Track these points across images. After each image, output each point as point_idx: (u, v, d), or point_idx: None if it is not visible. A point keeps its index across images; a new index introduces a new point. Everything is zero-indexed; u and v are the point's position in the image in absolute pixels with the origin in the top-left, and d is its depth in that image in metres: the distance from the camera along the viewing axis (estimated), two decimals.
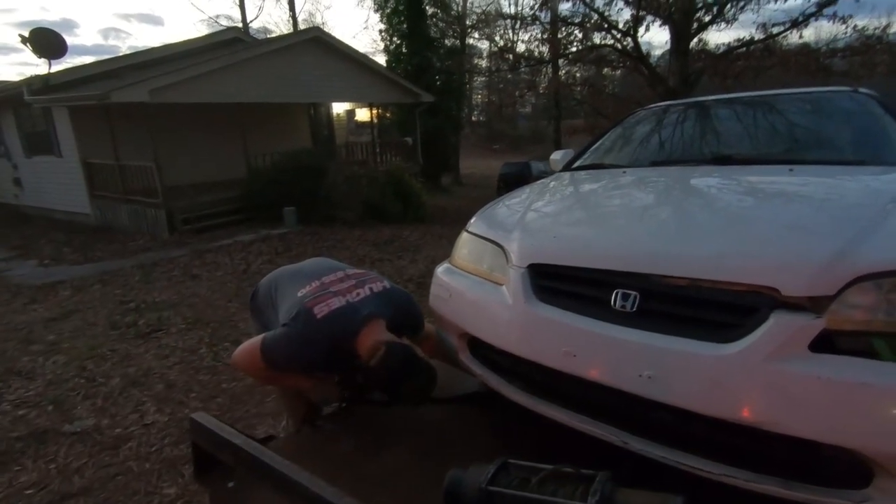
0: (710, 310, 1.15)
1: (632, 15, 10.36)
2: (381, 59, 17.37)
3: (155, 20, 61.48)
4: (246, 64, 10.06)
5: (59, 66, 10.64)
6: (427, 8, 18.35)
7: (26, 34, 10.04)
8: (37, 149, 10.96)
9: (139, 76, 9.06)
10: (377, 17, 19.15)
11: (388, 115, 17.81)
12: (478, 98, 35.64)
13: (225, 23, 25.15)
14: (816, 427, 1.01)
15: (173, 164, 9.49)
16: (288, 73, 10.78)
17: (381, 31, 18.72)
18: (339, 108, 15.64)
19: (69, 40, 10.91)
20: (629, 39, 10.65)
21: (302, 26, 26.64)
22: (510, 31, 15.40)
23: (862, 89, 2.44)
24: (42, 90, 9.18)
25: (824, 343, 1.03)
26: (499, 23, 13.43)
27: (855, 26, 8.98)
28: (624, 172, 2.13)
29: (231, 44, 11.93)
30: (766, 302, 1.08)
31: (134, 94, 8.32)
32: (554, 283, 1.41)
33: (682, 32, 10.02)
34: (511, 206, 1.96)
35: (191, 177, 10.34)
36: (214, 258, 7.16)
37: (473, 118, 36.87)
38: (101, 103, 8.33)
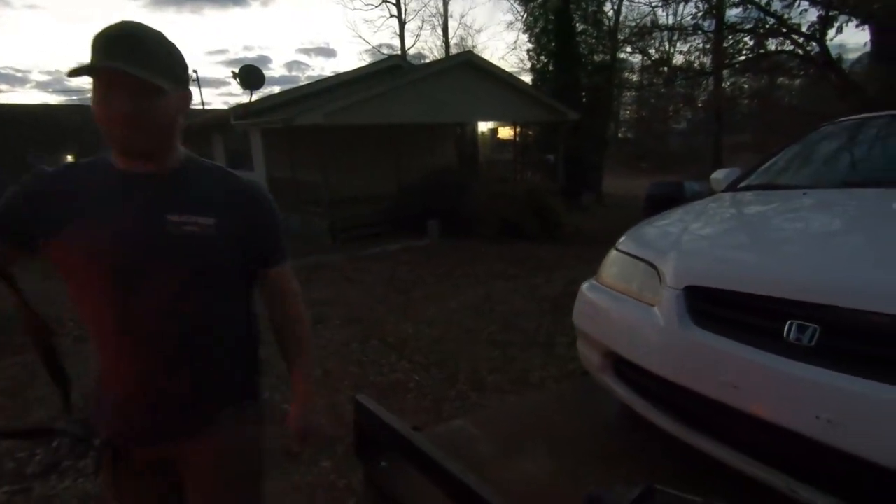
0: None
1: (819, 16, 9.08)
2: (527, 78, 17.61)
3: (329, 53, 70.20)
4: (403, 88, 10.99)
5: (256, 95, 12.77)
6: (577, 25, 18.15)
7: (236, 71, 12.30)
8: (236, 164, 13.20)
9: (316, 102, 10.47)
10: (525, 37, 19.38)
11: (529, 132, 17.94)
12: (626, 114, 33.96)
13: (386, 52, 27.78)
14: None
15: (335, 179, 10.72)
16: (439, 94, 11.50)
17: (528, 51, 19.04)
18: (482, 126, 16.21)
19: (264, 73, 13.13)
20: (814, 44, 9.33)
21: (454, 50, 28.23)
22: (666, 44, 14.48)
23: None
24: (243, 115, 11.08)
25: None
26: (654, 34, 12.67)
27: None
28: (804, 194, 1.90)
29: (392, 70, 13.11)
30: None
31: (312, 118, 9.63)
32: (713, 307, 1.34)
33: (888, 32, 8.50)
34: (666, 225, 1.88)
35: (349, 190, 11.54)
36: (366, 265, 7.88)
37: (620, 135, 35.14)
38: (286, 126, 9.79)
